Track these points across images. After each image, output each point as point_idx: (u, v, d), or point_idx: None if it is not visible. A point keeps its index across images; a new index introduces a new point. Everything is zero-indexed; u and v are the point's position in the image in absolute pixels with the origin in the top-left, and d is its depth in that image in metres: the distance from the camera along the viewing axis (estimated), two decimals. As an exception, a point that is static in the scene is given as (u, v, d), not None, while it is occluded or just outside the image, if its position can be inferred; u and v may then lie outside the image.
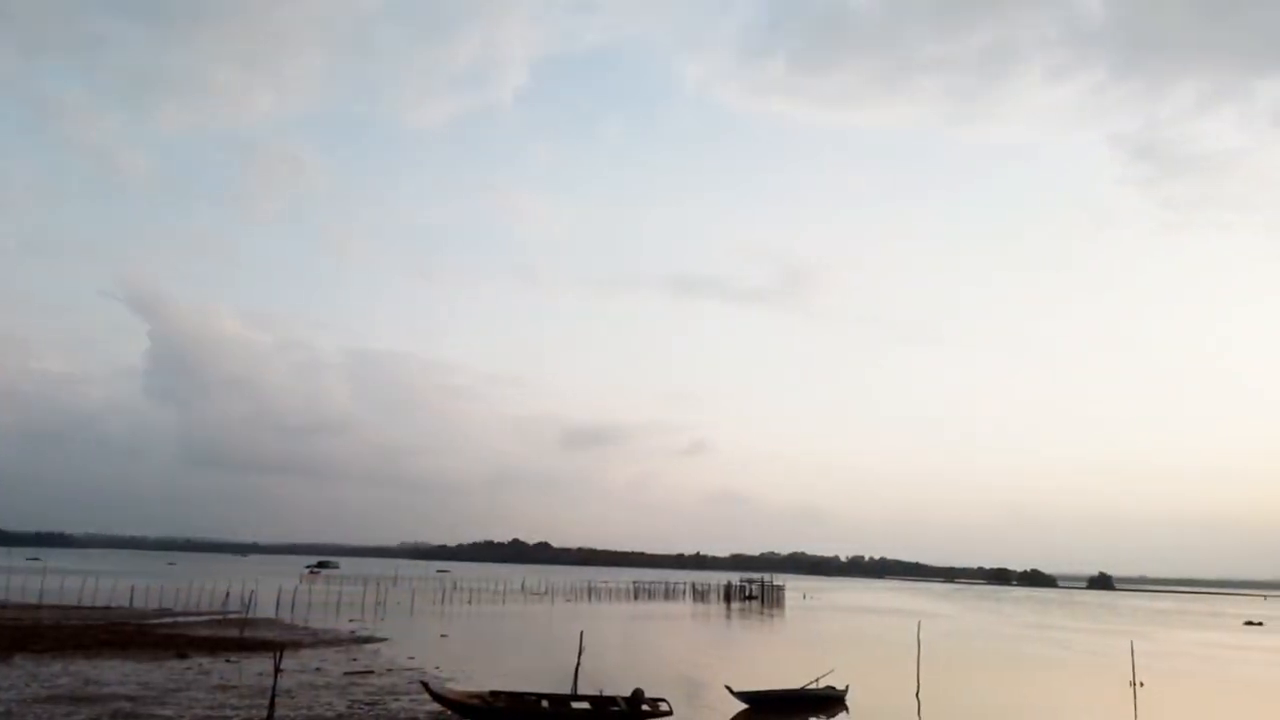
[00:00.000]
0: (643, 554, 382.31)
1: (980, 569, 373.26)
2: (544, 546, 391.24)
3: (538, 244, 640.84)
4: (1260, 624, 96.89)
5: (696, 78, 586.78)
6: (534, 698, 24.90)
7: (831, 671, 32.24)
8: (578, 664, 26.59)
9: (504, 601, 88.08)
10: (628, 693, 25.21)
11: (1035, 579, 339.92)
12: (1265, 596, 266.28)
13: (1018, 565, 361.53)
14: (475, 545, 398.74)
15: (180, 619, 53.10)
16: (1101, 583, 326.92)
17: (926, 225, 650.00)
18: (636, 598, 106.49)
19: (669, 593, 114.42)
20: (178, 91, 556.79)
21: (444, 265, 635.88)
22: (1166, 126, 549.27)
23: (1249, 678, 44.11)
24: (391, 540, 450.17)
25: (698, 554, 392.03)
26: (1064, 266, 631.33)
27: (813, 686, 30.31)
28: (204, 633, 43.39)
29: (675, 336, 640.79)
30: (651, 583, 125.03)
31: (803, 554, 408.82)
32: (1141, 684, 36.39)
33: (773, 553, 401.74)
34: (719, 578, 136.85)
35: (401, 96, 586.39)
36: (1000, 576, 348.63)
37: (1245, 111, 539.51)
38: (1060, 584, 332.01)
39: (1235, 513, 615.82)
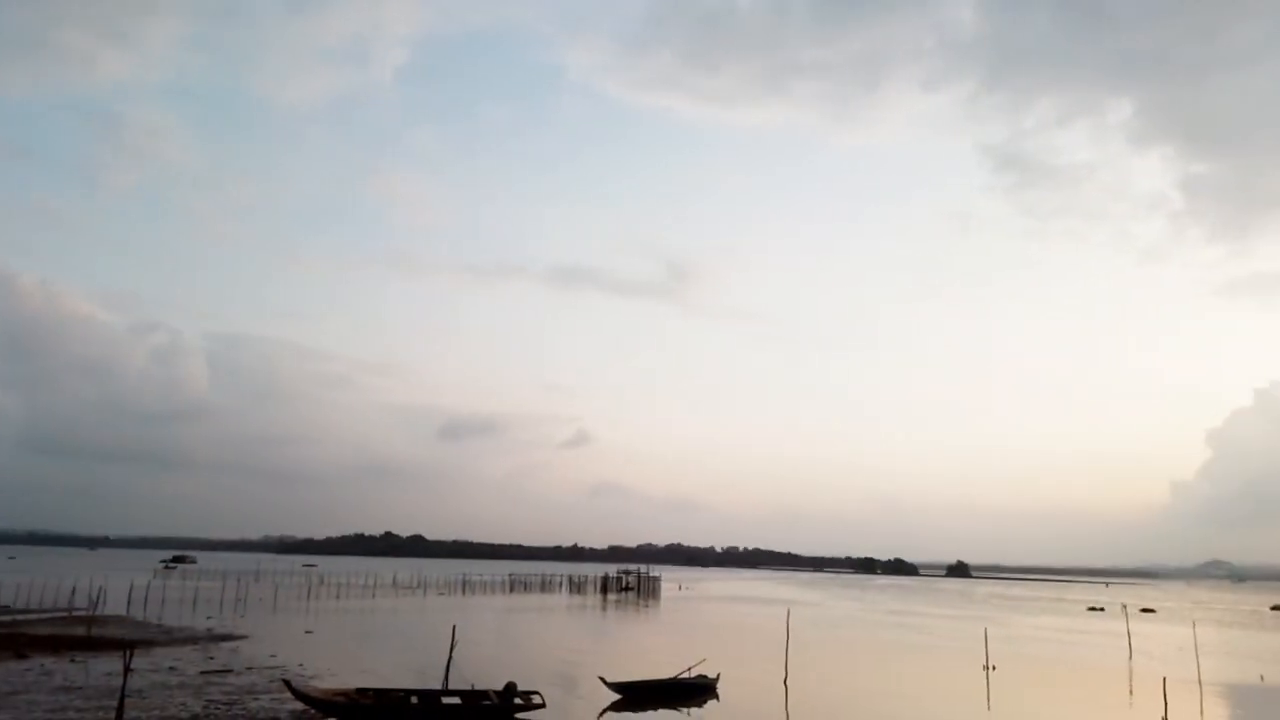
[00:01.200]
0: (520, 546, 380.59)
1: (848, 558, 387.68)
2: (418, 540, 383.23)
3: (418, 229, 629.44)
4: (1101, 609, 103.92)
5: (582, 67, 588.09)
6: (403, 694, 24.30)
7: (703, 661, 32.75)
8: (449, 658, 26.14)
9: (374, 596, 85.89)
10: (500, 686, 24.95)
11: (899, 567, 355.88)
12: (1107, 583, 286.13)
13: (883, 554, 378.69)
14: (345, 539, 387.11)
15: (20, 617, 49.57)
16: (959, 570, 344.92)
17: (806, 225, 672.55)
18: (512, 590, 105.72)
19: (545, 585, 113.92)
20: (18, 52, 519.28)
21: (317, 248, 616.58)
22: (1029, 138, 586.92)
23: (1089, 660, 47.17)
24: (254, 534, 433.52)
25: (575, 546, 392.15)
26: (934, 268, 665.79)
27: (685, 676, 30.74)
28: (46, 631, 40.54)
29: (557, 327, 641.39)
30: (528, 576, 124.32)
31: (680, 545, 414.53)
32: (994, 667, 38.55)
33: (650, 544, 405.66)
34: (597, 570, 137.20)
35: (273, 70, 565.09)
36: (866, 565, 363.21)
37: (1099, 127, 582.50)
38: (922, 572, 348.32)
39: (1082, 504, 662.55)
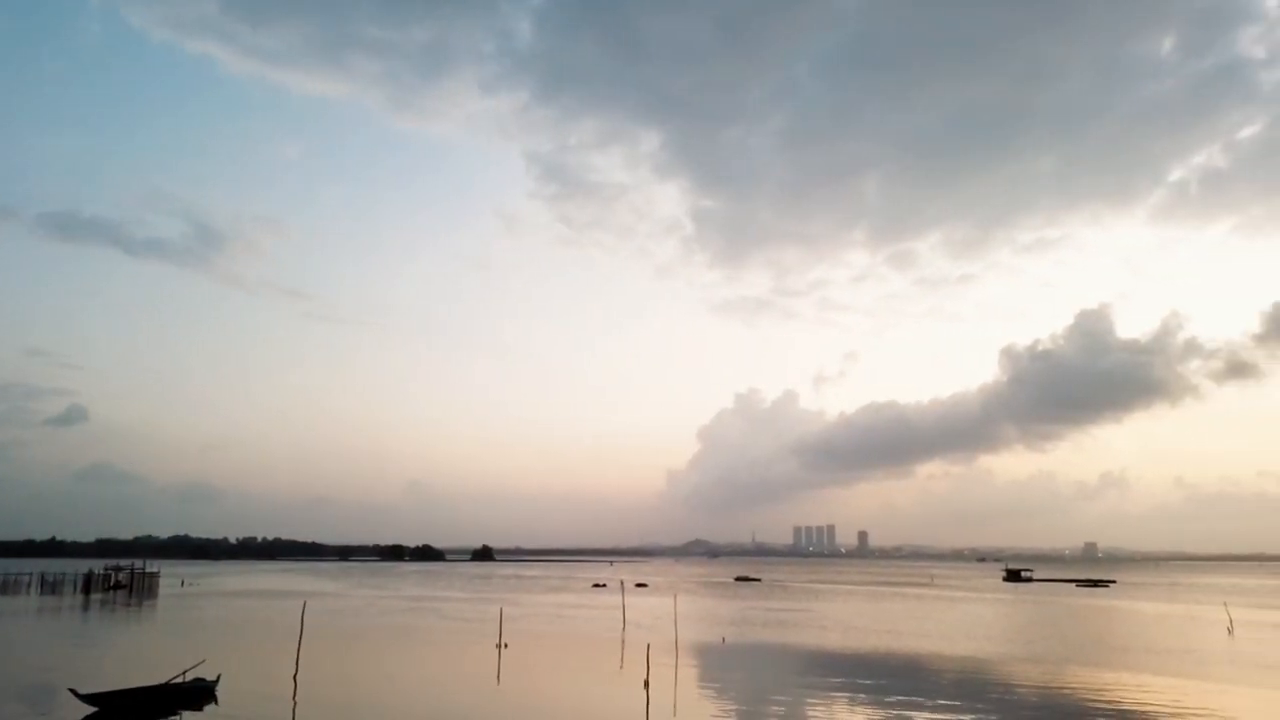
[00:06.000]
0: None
1: (376, 546, 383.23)
2: None
3: None
4: (604, 586, 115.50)
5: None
6: None
7: (203, 662, 30.11)
8: None
9: None
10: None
11: (426, 554, 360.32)
12: (611, 562, 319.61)
13: (411, 541, 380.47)
14: None
15: None
16: (484, 554, 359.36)
17: (362, 205, 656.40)
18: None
19: (8, 585, 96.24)
20: None
21: None
22: (572, 154, 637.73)
23: (590, 633, 51.87)
24: None
25: (53, 539, 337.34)
26: (480, 263, 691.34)
27: (178, 680, 27.85)
28: None
29: (51, 285, 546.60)
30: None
31: (188, 537, 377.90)
32: (506, 645, 40.71)
33: (151, 536, 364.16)
34: (80, 566, 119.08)
35: None
36: (394, 553, 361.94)
37: (631, 154, 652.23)
38: (449, 557, 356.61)
39: (595, 489, 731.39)
